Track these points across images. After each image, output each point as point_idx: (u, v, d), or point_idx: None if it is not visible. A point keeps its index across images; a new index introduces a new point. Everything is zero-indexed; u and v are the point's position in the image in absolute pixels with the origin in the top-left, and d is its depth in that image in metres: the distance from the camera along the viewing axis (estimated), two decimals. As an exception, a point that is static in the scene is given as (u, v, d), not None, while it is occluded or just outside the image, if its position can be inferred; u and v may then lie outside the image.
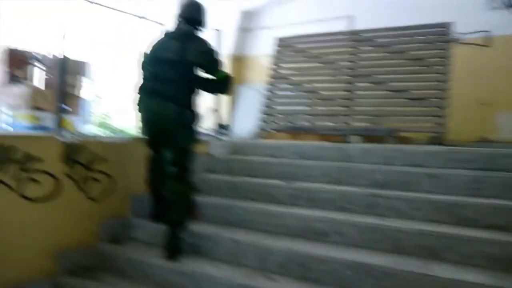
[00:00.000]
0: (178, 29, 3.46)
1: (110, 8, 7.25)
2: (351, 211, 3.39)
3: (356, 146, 4.20)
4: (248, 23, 7.82)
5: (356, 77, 5.89)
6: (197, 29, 3.50)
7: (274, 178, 3.98)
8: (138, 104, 3.43)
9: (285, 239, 3.21)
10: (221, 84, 3.55)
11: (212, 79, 3.47)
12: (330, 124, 5.85)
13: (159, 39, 3.48)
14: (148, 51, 3.45)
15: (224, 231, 3.41)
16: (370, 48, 5.96)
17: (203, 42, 3.45)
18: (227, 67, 7.34)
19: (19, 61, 4.75)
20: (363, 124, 5.60)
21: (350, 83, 5.88)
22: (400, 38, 5.72)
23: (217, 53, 3.51)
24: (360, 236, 3.06)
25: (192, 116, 3.38)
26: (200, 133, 3.57)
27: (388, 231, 2.97)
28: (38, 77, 5.06)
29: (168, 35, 3.46)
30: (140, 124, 3.48)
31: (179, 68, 3.31)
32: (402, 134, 5.25)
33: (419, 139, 5.24)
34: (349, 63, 5.97)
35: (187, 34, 3.42)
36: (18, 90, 4.47)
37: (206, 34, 3.64)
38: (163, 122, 3.29)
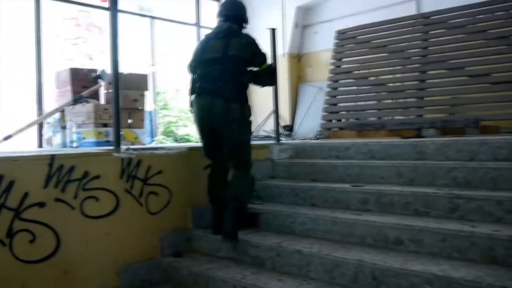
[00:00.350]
0: (220, 27, 3.51)
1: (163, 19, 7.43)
2: (429, 215, 3.00)
3: (431, 140, 3.78)
4: (305, 19, 7.51)
5: (428, 64, 5.43)
6: (239, 26, 3.54)
7: (340, 182, 3.67)
8: (191, 106, 3.50)
9: (355, 249, 2.89)
10: (267, 76, 3.58)
11: (258, 72, 3.48)
12: (401, 118, 5.43)
13: (203, 40, 3.57)
14: (194, 53, 3.53)
15: (288, 241, 3.16)
16: (443, 30, 5.45)
17: (245, 37, 3.48)
18: (285, 66, 7.22)
19: (81, 80, 4.89)
20: (438, 115, 5.12)
21: (421, 71, 5.44)
22: (477, 16, 5.17)
23: (260, 46, 3.49)
24: (440, 245, 2.68)
25: (241, 110, 3.35)
26: (252, 127, 3.55)
27: (474, 238, 2.57)
28: (101, 93, 5.18)
29: (211, 35, 3.53)
30: (196, 128, 3.53)
31: (224, 65, 3.33)
32: (486, 123, 4.70)
33: (507, 128, 4.67)
34: (419, 50, 5.52)
35: (230, 31, 3.45)
36: (83, 108, 4.57)
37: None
38: (214, 118, 3.33)
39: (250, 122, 3.45)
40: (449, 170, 3.26)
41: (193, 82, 3.48)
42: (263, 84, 3.70)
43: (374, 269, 2.60)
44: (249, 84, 3.49)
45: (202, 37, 3.70)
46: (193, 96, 3.48)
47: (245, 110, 3.38)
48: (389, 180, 3.50)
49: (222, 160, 3.45)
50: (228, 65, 3.33)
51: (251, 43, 3.45)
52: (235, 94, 3.34)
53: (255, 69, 3.48)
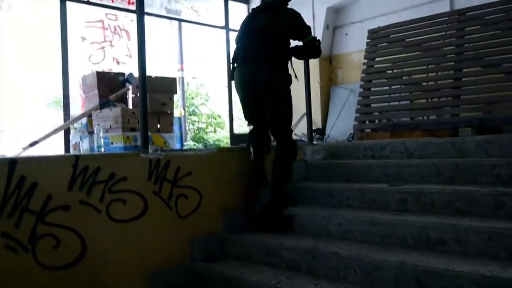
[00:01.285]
0: (266, 1, 3.69)
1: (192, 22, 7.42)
2: (472, 214, 2.85)
3: (471, 138, 3.61)
4: (335, 20, 7.41)
5: (463, 62, 5.24)
6: (283, 1, 3.69)
7: (377, 182, 3.56)
8: (233, 73, 3.70)
9: (395, 251, 2.77)
10: (311, 48, 3.69)
11: (302, 45, 3.66)
12: (436, 117, 5.25)
13: (250, 13, 3.79)
14: (241, 25, 3.74)
15: (324, 243, 3.06)
16: (478, 27, 5.26)
17: (290, 10, 3.65)
18: (316, 68, 7.11)
19: (108, 84, 4.84)
20: (475, 114, 4.92)
21: (456, 69, 5.25)
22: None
23: (303, 19, 3.66)
24: (486, 244, 2.54)
25: (283, 78, 3.55)
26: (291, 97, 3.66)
27: (524, 237, 2.41)
28: (129, 97, 5.14)
29: (257, 9, 3.74)
30: (238, 95, 3.71)
31: (269, 37, 3.51)
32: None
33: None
34: (453, 47, 5.34)
35: (276, 5, 3.63)
36: (110, 112, 4.52)
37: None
38: (256, 86, 3.51)
39: (289, 91, 3.62)
40: (492, 167, 3.11)
41: (237, 51, 3.66)
42: (307, 56, 3.90)
43: (417, 270, 2.48)
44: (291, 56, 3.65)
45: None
46: (235, 65, 3.67)
47: (287, 79, 3.57)
48: (428, 179, 3.37)
49: (264, 127, 3.66)
50: (273, 37, 3.50)
51: (296, 17, 3.61)
52: (278, 64, 3.52)
53: (299, 43, 3.66)
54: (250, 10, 3.85)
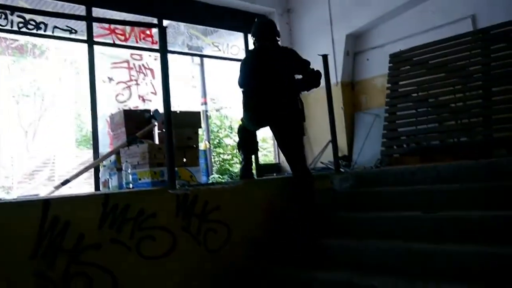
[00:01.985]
0: (261, 45, 4.04)
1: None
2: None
3: (508, 160, 3.46)
4: (355, 46, 7.39)
5: (491, 81, 5.10)
6: (277, 41, 4.10)
7: (409, 210, 3.41)
8: (245, 119, 4.05)
9: (436, 282, 2.61)
10: (313, 79, 3.99)
11: (305, 78, 3.98)
12: (467, 139, 5.09)
13: (248, 58, 4.18)
14: (242, 70, 4.02)
15: (358, 276, 2.93)
16: (504, 45, 5.15)
17: (289, 50, 4.19)
18: (338, 95, 7.09)
19: (135, 121, 4.91)
20: (508, 134, 4.75)
21: (485, 88, 5.11)
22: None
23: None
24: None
25: (293, 113, 3.81)
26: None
27: None
28: (155, 133, 5.18)
29: (255, 52, 4.11)
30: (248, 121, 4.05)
31: (275, 75, 3.82)
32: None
33: None
34: (480, 66, 5.23)
35: (273, 47, 4.03)
36: (138, 149, 4.57)
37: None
38: (276, 127, 3.85)
39: (301, 125, 3.92)
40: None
41: (246, 97, 3.97)
42: (311, 86, 4.07)
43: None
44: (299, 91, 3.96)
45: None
46: (246, 108, 3.97)
47: (298, 113, 3.85)
48: (464, 205, 3.22)
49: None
50: (280, 76, 3.82)
51: (296, 55, 4.05)
52: (289, 99, 3.80)
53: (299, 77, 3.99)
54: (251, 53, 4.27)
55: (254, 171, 4.69)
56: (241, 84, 4.03)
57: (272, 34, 4.05)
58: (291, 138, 3.82)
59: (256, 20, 4.25)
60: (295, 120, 3.84)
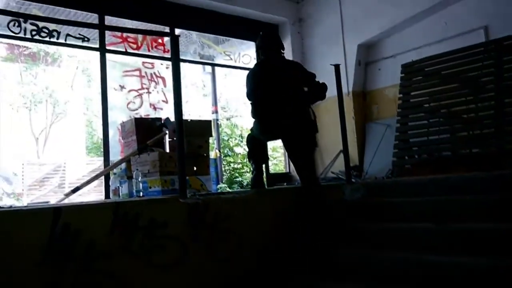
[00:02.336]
0: (268, 59, 4.10)
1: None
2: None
3: (521, 172, 3.42)
4: (367, 56, 7.38)
5: (503, 93, 5.05)
6: (282, 53, 4.15)
7: (421, 221, 3.38)
8: (255, 129, 4.07)
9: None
10: (319, 91, 4.01)
11: (310, 90, 4.00)
12: (479, 150, 5.04)
13: (255, 71, 4.11)
14: (249, 82, 4.03)
15: (369, 288, 2.90)
16: (517, 55, 5.11)
17: (295, 62, 4.31)
18: (350, 105, 7.06)
19: (146, 129, 4.91)
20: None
21: (497, 99, 5.06)
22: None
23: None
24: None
25: (300, 122, 3.82)
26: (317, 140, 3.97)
27: None
28: (166, 141, 5.19)
29: (261, 64, 4.16)
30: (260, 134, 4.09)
31: (280, 85, 3.86)
32: None
33: None
34: (492, 77, 5.19)
35: (279, 58, 4.09)
36: (148, 157, 4.58)
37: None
38: (277, 132, 3.90)
39: (313, 137, 3.93)
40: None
41: (255, 108, 3.98)
42: (316, 98, 4.05)
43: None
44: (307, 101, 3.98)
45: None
46: (256, 119, 4.00)
47: (309, 125, 3.89)
48: (477, 217, 3.17)
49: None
50: (289, 89, 3.84)
51: (302, 68, 4.16)
52: (298, 111, 3.82)
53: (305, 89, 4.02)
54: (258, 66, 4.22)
55: (264, 180, 4.67)
56: (250, 96, 4.05)
57: (277, 46, 4.11)
58: (298, 148, 3.84)
59: (260, 33, 4.27)
60: (304, 130, 3.84)
